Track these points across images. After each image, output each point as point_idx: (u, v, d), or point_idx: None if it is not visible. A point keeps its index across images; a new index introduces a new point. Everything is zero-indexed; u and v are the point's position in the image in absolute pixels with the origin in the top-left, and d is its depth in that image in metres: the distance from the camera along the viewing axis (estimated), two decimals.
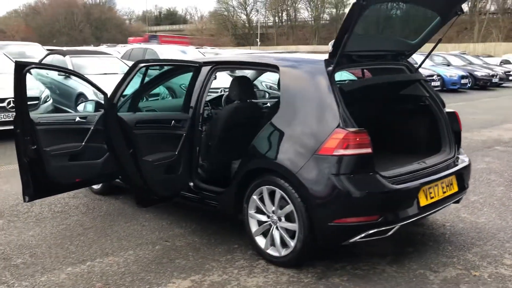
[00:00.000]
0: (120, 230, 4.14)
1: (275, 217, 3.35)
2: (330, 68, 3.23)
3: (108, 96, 4.64)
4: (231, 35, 63.44)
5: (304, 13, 64.14)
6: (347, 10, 2.85)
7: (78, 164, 4.21)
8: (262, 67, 3.86)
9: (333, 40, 3.23)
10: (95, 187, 5.11)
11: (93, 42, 58.87)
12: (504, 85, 21.43)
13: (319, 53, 4.54)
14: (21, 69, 3.72)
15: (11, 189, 5.38)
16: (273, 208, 3.34)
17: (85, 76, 4.54)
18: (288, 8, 64.82)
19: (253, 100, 4.27)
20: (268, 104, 4.77)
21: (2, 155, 7.12)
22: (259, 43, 55.57)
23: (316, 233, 3.10)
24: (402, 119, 4.02)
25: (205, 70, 4.04)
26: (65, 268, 3.40)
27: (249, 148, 3.48)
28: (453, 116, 3.89)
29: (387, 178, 3.11)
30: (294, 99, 3.29)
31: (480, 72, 19.47)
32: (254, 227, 3.52)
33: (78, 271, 3.36)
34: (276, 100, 5.12)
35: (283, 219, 3.30)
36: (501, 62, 26.43)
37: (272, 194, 3.35)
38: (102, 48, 25.38)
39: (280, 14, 65.70)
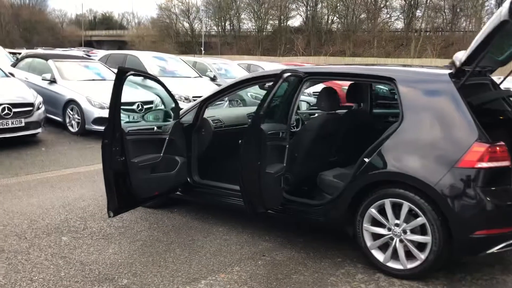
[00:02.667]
0: (205, 245, 3.94)
1: (398, 230, 3.34)
2: (457, 81, 3.30)
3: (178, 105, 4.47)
4: (174, 42, 62.66)
5: (248, 24, 64.84)
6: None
7: (158, 176, 4.02)
8: (372, 79, 3.85)
9: (461, 53, 3.31)
10: None
11: (24, 45, 55.73)
12: None
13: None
14: (122, 74, 3.49)
15: (42, 202, 4.97)
16: (397, 221, 3.34)
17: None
18: (232, 18, 65.15)
19: (337, 112, 4.26)
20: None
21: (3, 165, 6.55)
22: (203, 51, 55.32)
23: (454, 245, 3.14)
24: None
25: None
26: None
27: (367, 160, 3.45)
28: None
29: None
30: (422, 112, 3.32)
31: None
32: (369, 240, 3.49)
33: None
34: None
35: (408, 231, 3.30)
36: None
37: (394, 207, 3.35)
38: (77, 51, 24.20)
39: (223, 23, 65.85)
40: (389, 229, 3.39)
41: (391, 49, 51.85)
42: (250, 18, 63.92)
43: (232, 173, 4.66)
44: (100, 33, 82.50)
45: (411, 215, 3.29)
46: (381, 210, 3.42)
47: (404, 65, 4.24)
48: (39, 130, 7.98)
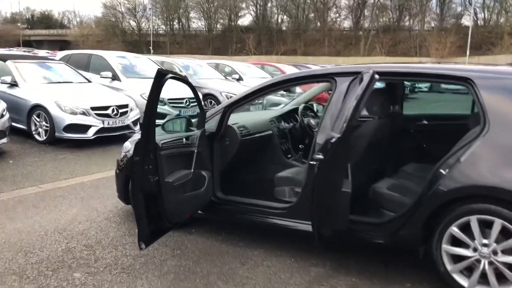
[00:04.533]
0: (249, 275, 3.38)
1: (486, 251, 2.93)
2: None
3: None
4: (120, 41, 60.45)
5: (198, 23, 63.72)
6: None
7: (190, 196, 3.42)
8: (443, 79, 3.40)
9: None
10: None
11: None
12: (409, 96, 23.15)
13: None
14: (161, 77, 2.88)
15: (31, 227, 4.22)
16: (485, 241, 2.92)
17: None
18: (180, 17, 63.77)
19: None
20: None
21: None
22: (151, 51, 53.75)
23: None
24: None
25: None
26: None
27: (445, 172, 3.02)
28: None
29: None
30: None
31: None
32: (449, 263, 3.06)
33: None
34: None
35: (499, 252, 2.90)
36: None
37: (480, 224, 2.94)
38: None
39: (171, 22, 64.35)
40: (475, 250, 2.97)
41: (341, 47, 52.57)
42: (199, 17, 62.91)
43: (263, 187, 4.13)
44: (40, 32, 78.43)
45: (502, 233, 2.89)
46: (463, 228, 3.00)
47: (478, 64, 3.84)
48: (4, 140, 7.04)
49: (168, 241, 3.94)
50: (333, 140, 2.71)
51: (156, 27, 64.87)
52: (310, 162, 3.36)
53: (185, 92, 10.52)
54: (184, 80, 3.53)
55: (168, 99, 9.72)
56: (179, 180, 3.22)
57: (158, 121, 3.11)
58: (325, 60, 44.96)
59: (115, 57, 11.16)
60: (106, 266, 3.47)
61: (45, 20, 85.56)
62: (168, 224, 3.31)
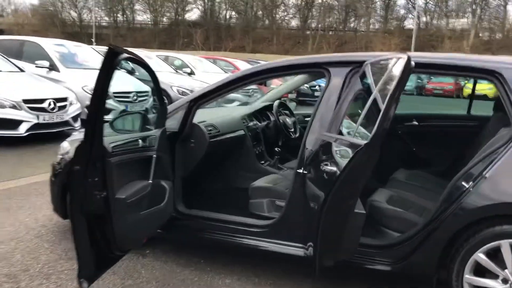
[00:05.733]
0: None
1: None
2: None
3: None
4: (60, 32, 57.29)
5: (143, 16, 61.78)
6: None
7: (148, 215, 2.68)
8: (467, 72, 2.80)
9: None
10: None
11: None
12: None
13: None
14: (113, 57, 2.11)
15: None
16: None
17: None
18: (125, 9, 61.57)
19: None
20: None
21: None
22: (94, 43, 51.40)
23: None
24: None
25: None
26: None
27: (467, 186, 2.46)
28: None
29: None
30: None
31: None
32: None
33: None
34: None
35: None
36: None
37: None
38: None
39: (115, 14, 61.94)
40: (505, 281, 2.43)
41: (289, 46, 52.67)
42: (145, 9, 60.99)
43: (235, 199, 3.46)
44: None
45: None
46: (490, 254, 2.46)
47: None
48: None
49: (116, 268, 3.15)
50: (356, 148, 2.07)
51: (98, 19, 62.24)
52: (298, 171, 2.73)
53: (132, 85, 9.65)
54: (142, 63, 2.76)
55: (113, 93, 8.79)
56: (134, 195, 2.47)
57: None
58: (274, 58, 44.73)
59: (52, 45, 10.04)
60: None
61: None
62: (119, 253, 2.55)
